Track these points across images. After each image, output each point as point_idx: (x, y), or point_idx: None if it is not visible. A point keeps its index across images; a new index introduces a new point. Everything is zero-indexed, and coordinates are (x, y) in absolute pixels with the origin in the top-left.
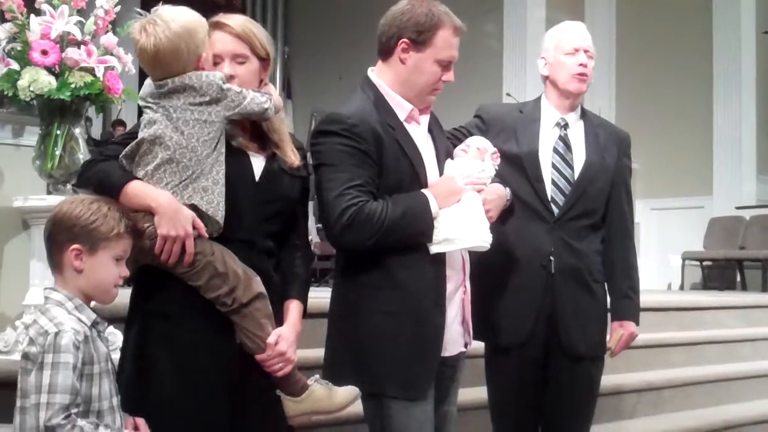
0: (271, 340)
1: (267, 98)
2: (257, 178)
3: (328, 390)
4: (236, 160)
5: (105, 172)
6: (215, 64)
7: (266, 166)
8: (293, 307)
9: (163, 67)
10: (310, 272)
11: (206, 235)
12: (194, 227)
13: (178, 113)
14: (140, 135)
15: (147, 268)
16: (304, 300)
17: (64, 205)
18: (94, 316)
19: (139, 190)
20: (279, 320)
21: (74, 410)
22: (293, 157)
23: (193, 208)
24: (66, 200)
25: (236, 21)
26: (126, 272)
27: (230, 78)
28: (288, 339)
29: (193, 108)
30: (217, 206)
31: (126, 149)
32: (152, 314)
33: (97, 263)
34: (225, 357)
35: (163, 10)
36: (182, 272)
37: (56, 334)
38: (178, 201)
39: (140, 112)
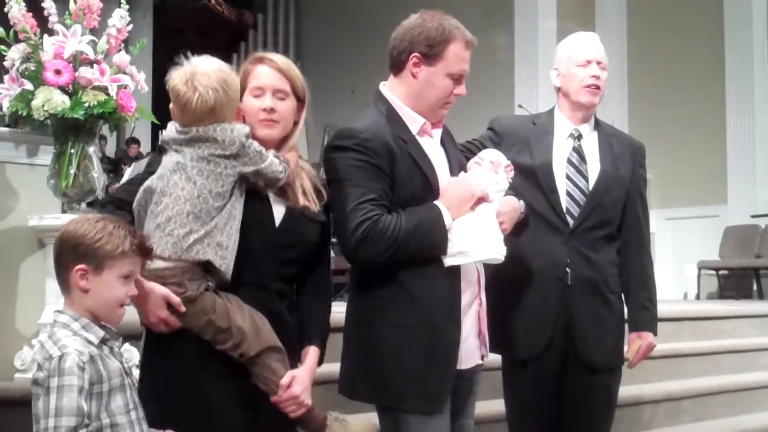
0: (284, 381)
1: (284, 168)
2: (277, 223)
3: (343, 427)
4: (255, 204)
5: None
6: (255, 96)
7: (287, 212)
8: (311, 352)
9: (213, 117)
10: (329, 317)
11: (183, 309)
12: (170, 305)
13: (195, 162)
14: (150, 182)
15: None
16: (322, 346)
17: (70, 225)
18: (102, 333)
19: None
20: (293, 361)
21: (83, 431)
22: (312, 205)
23: (206, 262)
24: (72, 220)
25: (279, 58)
26: (134, 291)
27: (272, 110)
28: (303, 382)
29: (210, 158)
30: (229, 263)
31: (138, 197)
32: (169, 356)
33: (103, 283)
34: (244, 397)
35: (198, 61)
36: (187, 327)
37: (60, 357)
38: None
39: (154, 130)
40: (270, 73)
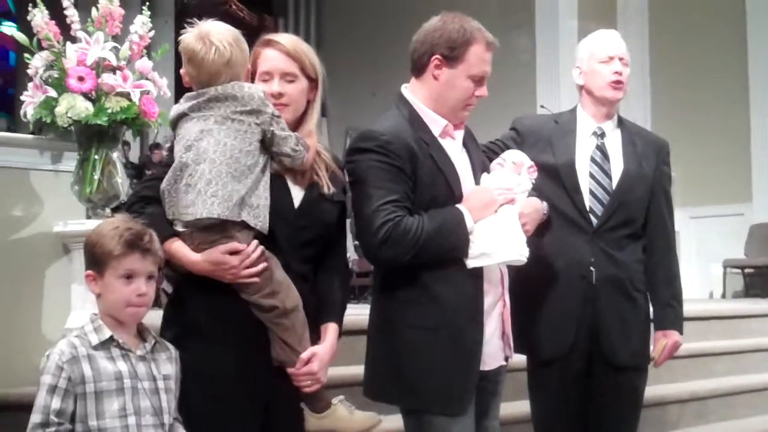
0: (304, 355)
1: (302, 151)
2: (296, 205)
3: (350, 413)
4: (275, 186)
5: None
6: (264, 81)
7: (306, 195)
8: (330, 330)
9: (230, 73)
10: (347, 296)
11: (242, 247)
12: (234, 252)
13: (218, 124)
14: (180, 158)
15: (184, 282)
16: (340, 323)
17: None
18: (107, 335)
19: (175, 254)
20: (312, 339)
21: (52, 428)
22: (326, 185)
23: (244, 223)
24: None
25: (287, 39)
26: (143, 289)
27: (279, 95)
28: (322, 359)
29: (234, 116)
30: (264, 220)
31: (167, 177)
32: (185, 330)
33: (106, 285)
34: (259, 379)
35: (207, 23)
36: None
37: (47, 356)
38: (206, 253)
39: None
40: (277, 56)
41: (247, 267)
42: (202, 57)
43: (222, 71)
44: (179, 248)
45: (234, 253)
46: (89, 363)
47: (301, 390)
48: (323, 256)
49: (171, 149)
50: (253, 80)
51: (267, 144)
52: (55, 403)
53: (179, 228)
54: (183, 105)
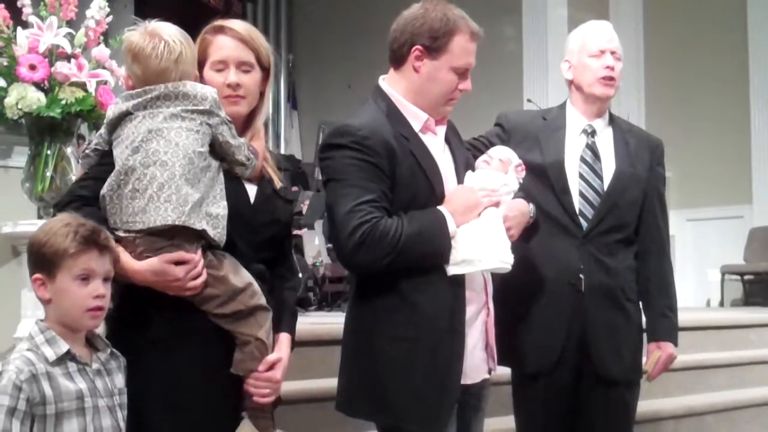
0: (270, 358)
1: (254, 159)
2: (252, 201)
3: None
4: (229, 184)
5: None
6: (218, 71)
7: (259, 191)
8: (284, 340)
9: (178, 71)
10: (296, 303)
11: (189, 257)
12: (181, 262)
13: (168, 122)
14: (125, 160)
15: (130, 295)
16: (293, 333)
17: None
18: (65, 349)
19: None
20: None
21: None
22: (278, 181)
23: (203, 231)
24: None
25: (241, 26)
26: (101, 290)
27: (237, 86)
28: (285, 368)
29: (185, 115)
30: (222, 231)
31: (110, 182)
32: (141, 344)
33: (60, 289)
34: (222, 393)
35: (153, 22)
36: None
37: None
38: (149, 261)
39: None
40: (232, 44)
41: (193, 278)
42: (149, 53)
43: (171, 68)
44: (119, 255)
45: (180, 263)
46: (49, 382)
47: (255, 400)
48: (273, 260)
49: (101, 153)
50: (201, 70)
51: (218, 151)
52: (16, 428)
53: (121, 234)
54: (124, 104)
